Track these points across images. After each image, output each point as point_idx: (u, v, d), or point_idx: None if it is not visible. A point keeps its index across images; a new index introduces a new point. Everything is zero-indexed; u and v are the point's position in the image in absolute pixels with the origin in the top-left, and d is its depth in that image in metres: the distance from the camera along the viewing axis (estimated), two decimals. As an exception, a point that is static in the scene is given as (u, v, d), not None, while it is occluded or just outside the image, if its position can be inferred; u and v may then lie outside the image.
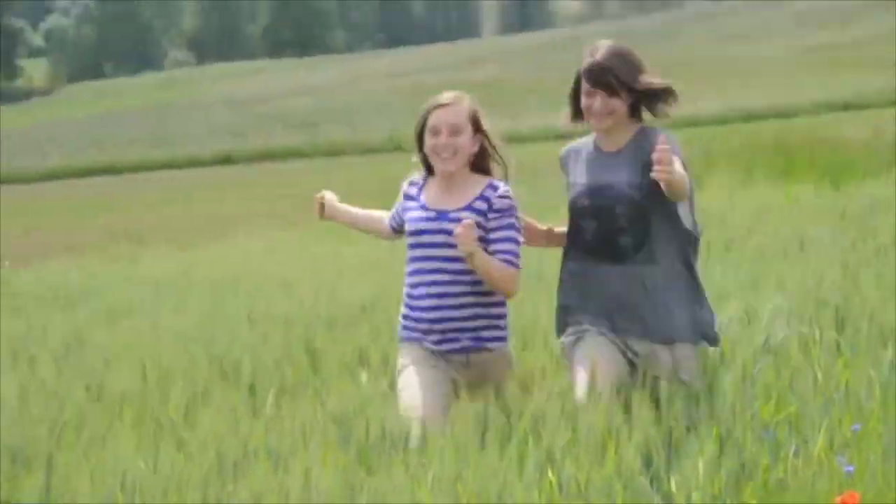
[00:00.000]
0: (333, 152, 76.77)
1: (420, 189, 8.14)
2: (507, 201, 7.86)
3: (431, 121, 7.93)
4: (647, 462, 7.36)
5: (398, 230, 8.48)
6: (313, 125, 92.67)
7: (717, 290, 12.80)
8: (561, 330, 8.01)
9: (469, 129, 7.91)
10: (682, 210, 7.48)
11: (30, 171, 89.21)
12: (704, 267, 14.32)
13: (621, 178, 7.35)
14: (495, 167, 8.23)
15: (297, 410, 9.13)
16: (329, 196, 8.79)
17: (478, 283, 7.89)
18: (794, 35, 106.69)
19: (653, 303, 7.41)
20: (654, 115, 7.74)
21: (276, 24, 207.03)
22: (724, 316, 11.42)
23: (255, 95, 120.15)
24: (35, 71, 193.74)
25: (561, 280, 7.83)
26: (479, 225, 7.77)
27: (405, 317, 8.18)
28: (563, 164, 7.93)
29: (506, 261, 7.84)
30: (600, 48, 7.64)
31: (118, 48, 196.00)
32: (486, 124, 8.03)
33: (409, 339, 8.23)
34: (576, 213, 7.63)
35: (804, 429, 8.07)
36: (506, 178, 8.17)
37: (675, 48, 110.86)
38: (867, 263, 13.95)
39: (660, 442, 7.61)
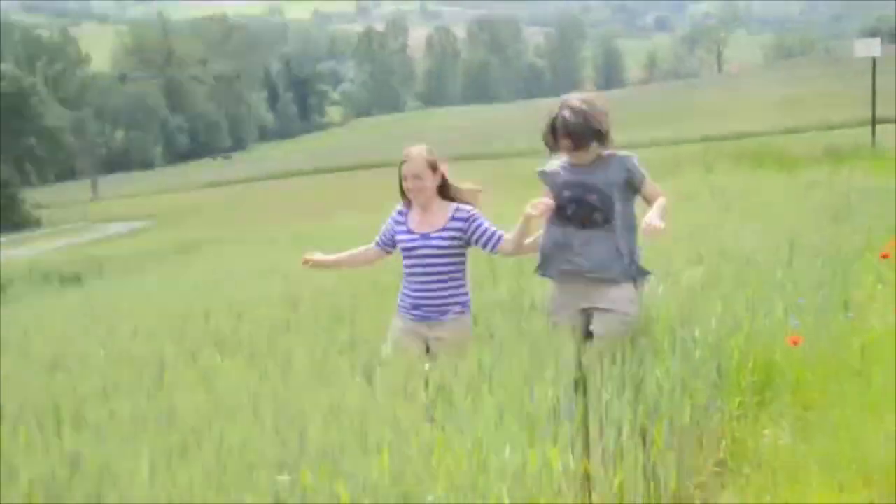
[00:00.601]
0: (502, 156, 76.59)
1: (406, 216, 7.36)
2: (472, 212, 7.17)
3: (402, 171, 7.20)
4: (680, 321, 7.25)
5: (389, 247, 7.50)
6: (490, 141, 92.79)
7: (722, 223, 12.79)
8: (541, 268, 7.12)
9: (428, 172, 7.16)
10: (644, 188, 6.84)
11: (329, 167, 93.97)
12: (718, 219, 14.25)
13: (597, 180, 6.70)
14: (465, 193, 7.39)
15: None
16: (317, 256, 7.83)
17: (447, 281, 7.21)
18: (767, 92, 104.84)
19: (606, 253, 6.71)
20: (605, 147, 6.81)
21: (470, 84, 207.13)
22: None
23: (458, 125, 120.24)
24: (335, 113, 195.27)
25: (543, 239, 6.98)
26: (459, 237, 7.16)
27: (402, 297, 7.42)
28: (543, 176, 7.00)
29: (498, 237, 7.13)
30: (568, 105, 6.73)
31: (380, 99, 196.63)
32: (441, 167, 7.23)
33: (400, 312, 7.46)
34: (561, 199, 6.80)
35: (770, 303, 8.00)
36: (475, 203, 7.38)
37: (696, 97, 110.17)
38: (809, 210, 13.89)
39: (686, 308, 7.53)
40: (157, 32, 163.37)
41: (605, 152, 6.76)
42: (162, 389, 7.39)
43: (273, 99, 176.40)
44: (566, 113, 6.64)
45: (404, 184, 7.19)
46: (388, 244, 7.48)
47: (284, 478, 4.81)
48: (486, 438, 5.05)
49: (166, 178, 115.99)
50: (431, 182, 7.17)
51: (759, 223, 13.02)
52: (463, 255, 7.28)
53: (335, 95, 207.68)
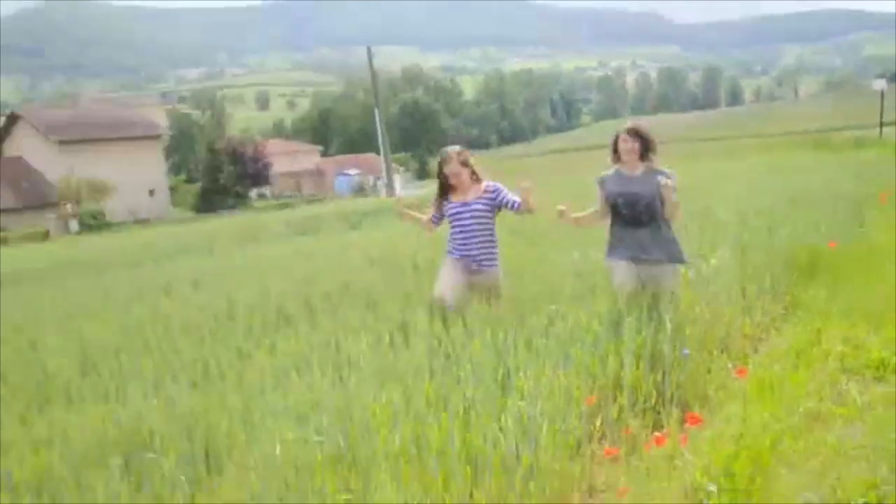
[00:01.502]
0: (689, 140, 71.94)
1: (449, 198, 5.47)
2: (496, 186, 5.44)
3: (444, 168, 5.49)
4: (767, 232, 6.81)
5: (438, 220, 5.58)
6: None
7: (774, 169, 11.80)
8: (608, 255, 5.19)
9: (462, 169, 5.38)
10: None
11: (578, 146, 73.78)
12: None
13: (642, 189, 4.99)
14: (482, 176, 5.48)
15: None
16: (409, 210, 5.83)
17: (484, 237, 5.46)
18: (822, 108, 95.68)
19: (656, 243, 4.98)
20: (652, 157, 5.11)
21: (658, 103, 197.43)
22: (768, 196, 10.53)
23: (651, 126, 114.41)
24: (585, 119, 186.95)
25: (610, 234, 5.20)
26: (492, 200, 5.43)
27: (450, 250, 5.50)
28: (602, 183, 5.18)
29: (515, 202, 5.37)
30: (633, 123, 5.20)
31: (609, 111, 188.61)
32: (470, 161, 5.54)
33: (451, 256, 5.46)
34: (617, 205, 5.06)
35: (818, 223, 7.45)
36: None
37: (781, 111, 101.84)
38: (842, 173, 12.72)
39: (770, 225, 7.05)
40: (496, 80, 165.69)
41: (653, 165, 5.14)
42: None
43: (553, 111, 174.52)
44: (633, 129, 5.16)
45: (449, 180, 5.54)
46: (437, 219, 5.63)
47: (554, 307, 4.91)
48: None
49: (496, 154, 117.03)
50: (466, 175, 5.49)
51: (815, 179, 12.10)
52: (493, 217, 5.55)
53: (585, 109, 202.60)
